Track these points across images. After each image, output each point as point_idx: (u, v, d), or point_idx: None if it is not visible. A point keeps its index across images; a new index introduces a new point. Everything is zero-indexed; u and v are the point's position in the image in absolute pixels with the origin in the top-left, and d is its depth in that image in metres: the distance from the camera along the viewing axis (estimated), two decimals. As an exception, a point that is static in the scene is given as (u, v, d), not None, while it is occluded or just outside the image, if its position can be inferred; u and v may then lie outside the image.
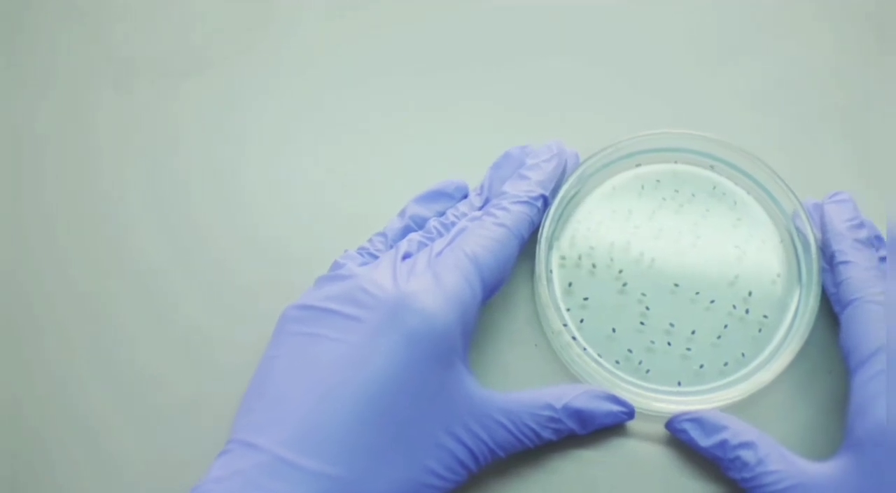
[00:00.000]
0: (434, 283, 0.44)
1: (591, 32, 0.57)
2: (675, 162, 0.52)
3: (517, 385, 0.47)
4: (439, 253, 0.46)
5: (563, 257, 0.50)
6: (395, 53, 0.57)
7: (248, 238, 0.52)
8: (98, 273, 0.51)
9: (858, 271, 0.47)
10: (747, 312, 0.49)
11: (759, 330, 0.49)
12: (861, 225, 0.48)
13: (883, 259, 0.48)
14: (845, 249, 0.48)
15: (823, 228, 0.49)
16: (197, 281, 0.51)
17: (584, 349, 0.48)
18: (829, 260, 0.48)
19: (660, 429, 0.47)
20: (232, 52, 0.57)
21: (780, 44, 0.57)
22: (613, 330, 0.49)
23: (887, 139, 0.54)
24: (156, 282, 0.51)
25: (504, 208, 0.47)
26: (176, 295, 0.51)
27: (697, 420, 0.46)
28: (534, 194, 0.48)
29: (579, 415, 0.45)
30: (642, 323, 0.49)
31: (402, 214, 0.50)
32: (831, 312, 0.48)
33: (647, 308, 0.49)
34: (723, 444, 0.45)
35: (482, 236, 0.46)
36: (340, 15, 0.58)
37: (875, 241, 0.49)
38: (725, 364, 0.48)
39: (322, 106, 0.55)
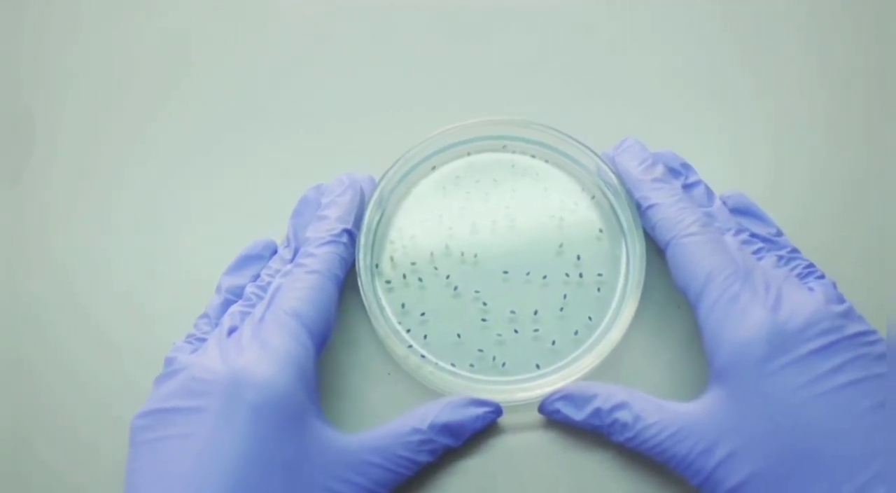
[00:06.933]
0: (262, 351, 0.43)
1: (345, 52, 0.57)
2: (469, 154, 0.52)
3: (382, 419, 0.45)
4: (261, 318, 0.45)
5: (388, 282, 0.50)
6: (158, 127, 0.56)
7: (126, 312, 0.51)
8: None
9: (664, 210, 0.47)
10: (581, 276, 0.49)
11: (598, 289, 0.49)
12: (654, 163, 0.49)
13: (690, 185, 0.49)
14: (647, 193, 0.48)
15: (621, 179, 0.49)
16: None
17: (436, 364, 0.47)
18: (637, 208, 0.48)
19: (534, 416, 0.47)
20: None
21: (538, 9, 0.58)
22: (459, 336, 0.48)
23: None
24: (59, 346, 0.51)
25: (311, 254, 0.46)
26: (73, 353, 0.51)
27: (567, 397, 0.46)
28: (335, 231, 0.47)
29: (448, 428, 0.45)
30: (484, 320, 0.48)
31: (218, 289, 0.49)
32: (660, 249, 0.48)
33: (485, 304, 0.49)
34: (597, 412, 0.45)
35: (297, 289, 0.45)
36: (99, 106, 0.57)
37: (681, 169, 0.49)
38: (576, 333, 0.48)
39: (114, 198, 0.54)
